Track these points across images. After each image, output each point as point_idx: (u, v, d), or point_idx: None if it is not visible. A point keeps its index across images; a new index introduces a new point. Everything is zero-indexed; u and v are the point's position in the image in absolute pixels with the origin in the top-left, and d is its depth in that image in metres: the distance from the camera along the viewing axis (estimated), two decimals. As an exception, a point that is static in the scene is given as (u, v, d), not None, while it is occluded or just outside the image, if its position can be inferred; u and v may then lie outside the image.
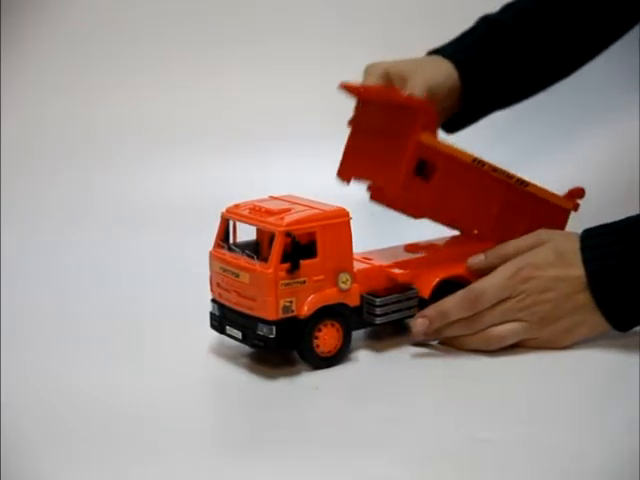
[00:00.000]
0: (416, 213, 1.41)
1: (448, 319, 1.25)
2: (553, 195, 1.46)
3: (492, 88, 1.45)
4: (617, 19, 1.59)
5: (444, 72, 1.38)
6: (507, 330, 1.22)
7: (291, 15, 2.29)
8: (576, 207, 1.48)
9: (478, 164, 1.36)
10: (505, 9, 1.48)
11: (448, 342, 1.32)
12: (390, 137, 1.31)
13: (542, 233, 1.31)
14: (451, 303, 1.24)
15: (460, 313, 1.23)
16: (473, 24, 1.47)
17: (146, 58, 2.28)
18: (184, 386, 1.30)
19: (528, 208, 1.43)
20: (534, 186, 1.43)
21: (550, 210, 1.45)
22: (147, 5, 2.28)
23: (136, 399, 1.26)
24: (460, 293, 1.24)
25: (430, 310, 1.31)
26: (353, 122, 1.42)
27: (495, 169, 1.38)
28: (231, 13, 2.29)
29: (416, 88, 1.32)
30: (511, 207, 1.41)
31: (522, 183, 1.41)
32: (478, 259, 1.28)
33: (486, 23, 1.46)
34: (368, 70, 1.47)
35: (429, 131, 1.32)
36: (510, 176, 1.40)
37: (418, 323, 1.32)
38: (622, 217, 1.32)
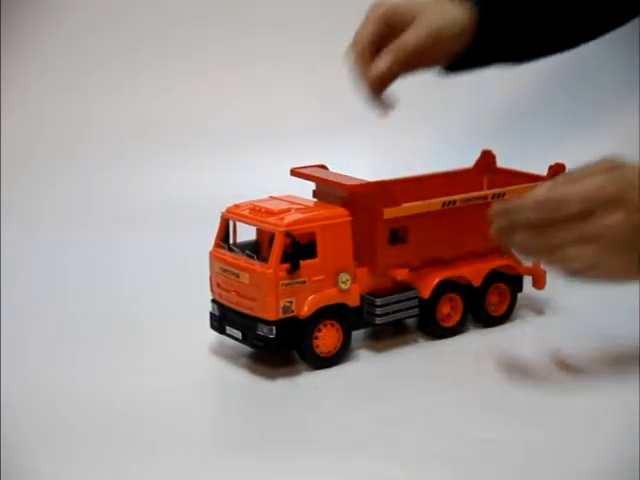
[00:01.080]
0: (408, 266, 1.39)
1: (517, 217, 1.04)
2: (534, 187, 1.45)
3: (508, 37, 1.30)
4: None
5: (453, 14, 1.24)
6: (578, 253, 1.01)
7: (291, 15, 2.29)
8: None
9: (449, 205, 1.36)
10: None
11: (511, 248, 1.19)
12: (355, 215, 1.31)
13: (611, 159, 1.17)
14: (527, 200, 1.04)
15: (533, 214, 1.03)
16: None
17: (146, 58, 2.28)
18: (184, 386, 1.30)
19: None
20: (512, 190, 1.42)
21: None
22: (147, 5, 2.28)
23: (136, 399, 1.26)
24: (541, 191, 1.04)
25: (501, 204, 1.09)
26: (316, 194, 1.43)
27: (467, 199, 1.38)
28: (232, 13, 2.29)
29: (418, 32, 1.21)
30: None
31: (499, 195, 1.40)
32: (544, 187, 1.06)
33: None
34: (369, 13, 1.29)
35: (389, 203, 1.32)
36: (485, 196, 1.40)
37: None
38: None
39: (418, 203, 1.34)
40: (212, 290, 1.37)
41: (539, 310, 1.53)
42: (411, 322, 1.45)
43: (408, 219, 1.33)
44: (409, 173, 1.50)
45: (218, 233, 1.35)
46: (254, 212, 1.31)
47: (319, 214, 1.29)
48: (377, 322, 1.35)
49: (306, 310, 1.27)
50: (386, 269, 1.34)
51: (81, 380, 1.31)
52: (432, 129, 2.10)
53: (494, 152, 1.56)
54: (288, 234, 1.25)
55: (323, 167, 1.45)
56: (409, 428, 1.15)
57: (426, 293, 1.37)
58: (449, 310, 1.41)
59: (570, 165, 1.49)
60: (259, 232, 1.35)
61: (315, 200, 1.39)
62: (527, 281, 1.50)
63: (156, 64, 2.28)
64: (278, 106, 2.26)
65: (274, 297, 1.25)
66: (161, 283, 1.70)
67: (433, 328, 1.41)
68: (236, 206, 1.35)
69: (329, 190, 1.37)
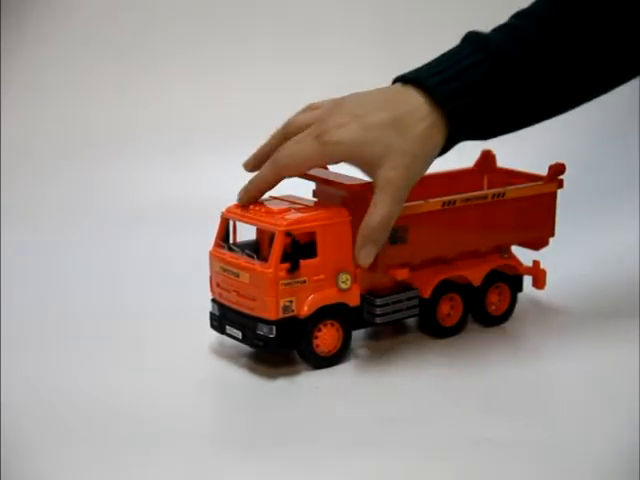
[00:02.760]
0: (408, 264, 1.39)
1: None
2: (534, 187, 1.45)
3: (481, 125, 1.26)
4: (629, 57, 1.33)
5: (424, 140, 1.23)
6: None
7: (291, 15, 2.29)
8: (560, 185, 1.47)
9: (449, 205, 1.36)
10: (503, 30, 1.25)
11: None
12: (355, 215, 1.31)
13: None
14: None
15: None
16: (470, 54, 1.23)
17: (146, 58, 2.28)
18: (184, 386, 1.30)
19: (513, 211, 1.43)
20: (512, 190, 1.42)
21: (535, 201, 1.45)
22: (146, 6, 2.28)
23: (136, 399, 1.26)
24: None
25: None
26: (316, 194, 1.43)
27: (467, 199, 1.38)
28: (232, 13, 2.29)
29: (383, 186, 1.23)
30: (495, 218, 1.42)
31: (499, 195, 1.40)
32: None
33: (486, 53, 1.21)
34: (282, 127, 1.34)
35: None
36: (485, 196, 1.40)
37: None
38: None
39: (418, 203, 1.34)
40: (212, 290, 1.37)
41: (539, 310, 1.53)
42: (411, 322, 1.45)
43: (408, 219, 1.33)
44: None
45: (218, 233, 1.35)
46: (254, 212, 1.31)
47: (319, 214, 1.29)
48: (377, 322, 1.35)
49: (306, 310, 1.27)
50: (386, 269, 1.34)
51: (81, 380, 1.31)
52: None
53: (494, 152, 1.56)
54: (288, 234, 1.25)
55: (323, 167, 1.45)
56: (408, 428, 1.15)
57: (426, 293, 1.37)
58: (449, 310, 1.41)
59: (570, 165, 1.49)
60: (259, 232, 1.34)
61: (315, 200, 1.39)
62: (527, 281, 1.50)
63: (156, 64, 2.28)
64: (278, 106, 2.26)
65: (274, 297, 1.25)
66: (161, 283, 1.70)
67: (433, 328, 1.41)
68: (236, 206, 1.35)
69: (329, 190, 1.37)
